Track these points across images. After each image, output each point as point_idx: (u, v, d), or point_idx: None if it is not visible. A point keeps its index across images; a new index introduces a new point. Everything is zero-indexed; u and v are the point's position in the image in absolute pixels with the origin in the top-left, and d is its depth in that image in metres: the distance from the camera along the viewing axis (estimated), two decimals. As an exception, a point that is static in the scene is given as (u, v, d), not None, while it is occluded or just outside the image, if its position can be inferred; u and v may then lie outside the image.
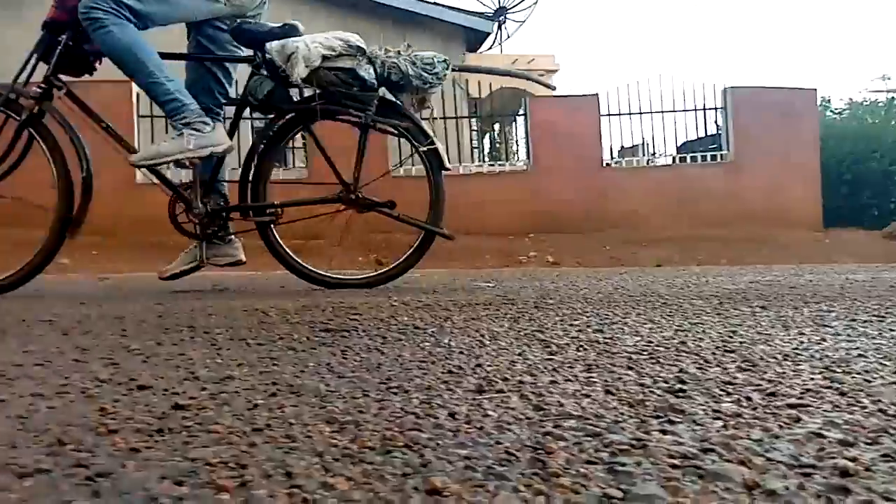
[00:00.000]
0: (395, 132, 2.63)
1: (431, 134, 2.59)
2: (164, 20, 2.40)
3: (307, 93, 2.50)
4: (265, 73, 2.45)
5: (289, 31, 2.46)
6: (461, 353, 1.26)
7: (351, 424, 0.78)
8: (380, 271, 2.69)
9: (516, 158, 11.36)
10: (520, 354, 1.23)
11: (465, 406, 0.87)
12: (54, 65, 2.40)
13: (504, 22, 11.60)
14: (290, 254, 2.60)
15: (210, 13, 2.48)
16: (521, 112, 9.09)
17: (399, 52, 2.52)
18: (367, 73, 2.45)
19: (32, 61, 2.43)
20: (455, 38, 11.36)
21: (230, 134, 2.51)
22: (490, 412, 0.83)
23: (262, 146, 2.57)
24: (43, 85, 2.42)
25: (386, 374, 1.08)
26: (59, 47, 2.38)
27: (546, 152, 8.53)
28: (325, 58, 2.40)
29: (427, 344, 1.36)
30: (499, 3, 11.98)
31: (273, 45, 2.40)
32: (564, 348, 1.28)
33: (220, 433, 0.76)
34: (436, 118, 8.93)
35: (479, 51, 12.18)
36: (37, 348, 1.34)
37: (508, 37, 12.92)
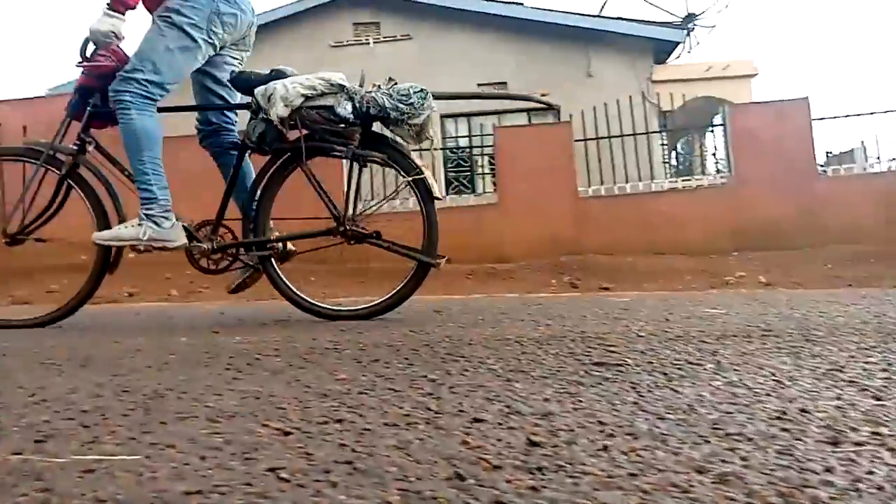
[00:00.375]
0: (382, 163, 2.72)
1: (420, 164, 2.67)
2: (178, 80, 2.73)
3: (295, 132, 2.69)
4: (262, 116, 2.66)
5: (276, 75, 2.68)
6: (767, 394, 1.21)
7: (730, 476, 0.78)
8: (375, 302, 2.75)
9: (714, 171, 10.71)
10: (838, 398, 1.15)
11: (833, 460, 0.83)
12: (85, 123, 2.78)
13: (693, 29, 11.07)
14: (290, 286, 2.76)
15: (209, 54, 2.76)
16: (720, 122, 8.60)
17: (379, 87, 2.67)
18: (345, 109, 2.60)
19: (67, 121, 2.82)
20: (642, 50, 11.03)
21: (234, 175, 2.79)
22: (873, 469, 0.78)
23: (262, 185, 2.77)
24: (77, 142, 2.81)
25: (706, 416, 1.06)
26: (89, 108, 2.75)
27: (749, 163, 7.95)
28: (306, 97, 2.58)
29: (718, 382, 1.32)
30: (686, 9, 11.47)
31: (258, 90, 2.64)
32: (887, 391, 1.17)
33: (597, 475, 0.80)
34: (625, 135, 8.76)
35: (667, 61, 11.72)
36: (347, 376, 1.50)
37: (699, 43, 12.31)
